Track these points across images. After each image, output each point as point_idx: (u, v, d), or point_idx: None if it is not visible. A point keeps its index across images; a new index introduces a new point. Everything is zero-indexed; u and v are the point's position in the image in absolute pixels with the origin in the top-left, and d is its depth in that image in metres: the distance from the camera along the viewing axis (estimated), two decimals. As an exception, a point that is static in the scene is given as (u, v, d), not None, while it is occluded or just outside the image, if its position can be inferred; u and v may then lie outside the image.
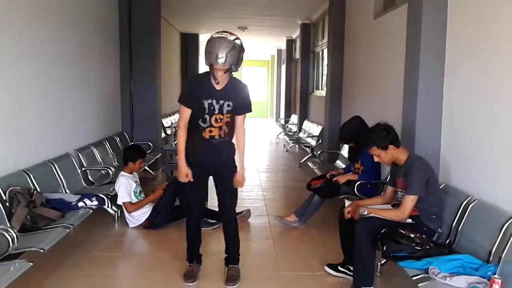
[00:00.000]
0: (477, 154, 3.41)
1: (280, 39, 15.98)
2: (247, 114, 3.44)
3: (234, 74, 3.35)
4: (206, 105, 3.23)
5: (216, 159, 3.37)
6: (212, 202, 4.11)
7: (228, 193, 3.48)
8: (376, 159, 3.45)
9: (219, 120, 3.26)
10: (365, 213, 3.27)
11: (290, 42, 15.46)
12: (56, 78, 4.88)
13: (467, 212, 3.17)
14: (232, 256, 3.62)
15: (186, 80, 3.35)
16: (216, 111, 3.25)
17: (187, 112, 3.31)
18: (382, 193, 3.93)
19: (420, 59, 3.94)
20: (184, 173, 3.31)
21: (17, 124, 4.08)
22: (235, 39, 3.14)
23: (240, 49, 3.16)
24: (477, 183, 3.36)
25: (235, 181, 3.41)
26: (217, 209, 3.69)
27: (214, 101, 3.23)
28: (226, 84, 3.27)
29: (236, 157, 3.49)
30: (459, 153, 3.69)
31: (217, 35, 3.14)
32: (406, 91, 4.29)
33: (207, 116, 3.25)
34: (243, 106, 3.38)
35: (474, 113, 3.48)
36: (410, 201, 3.18)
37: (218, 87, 3.25)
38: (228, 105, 3.27)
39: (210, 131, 3.28)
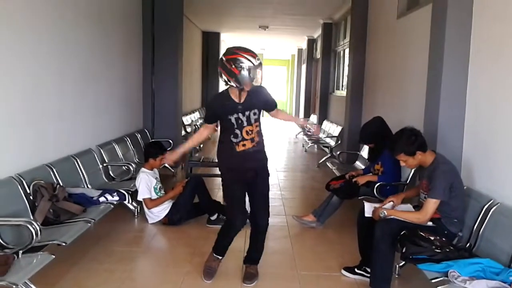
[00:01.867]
0: (500, 157, 3.35)
1: (301, 39, 15.94)
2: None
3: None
4: (233, 121, 3.27)
5: (252, 165, 3.39)
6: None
7: (263, 200, 3.49)
8: (402, 164, 3.41)
9: (250, 132, 3.30)
10: (385, 215, 3.25)
11: (311, 42, 15.41)
12: (79, 75, 4.96)
13: (488, 216, 3.13)
14: (253, 259, 3.63)
15: (207, 104, 3.49)
16: (245, 124, 3.28)
17: (207, 128, 3.57)
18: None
19: (444, 59, 3.89)
20: (174, 159, 3.60)
21: (41, 120, 4.17)
22: (258, 58, 3.20)
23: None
24: (500, 186, 3.30)
25: (315, 128, 3.61)
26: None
27: (240, 115, 3.27)
28: (246, 94, 3.31)
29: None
30: (482, 156, 3.63)
31: (254, 61, 3.14)
32: (428, 91, 4.24)
33: (237, 131, 3.28)
34: (269, 104, 3.46)
35: (498, 114, 3.42)
36: (432, 204, 3.14)
37: (239, 100, 3.29)
38: (254, 113, 3.31)
39: (243, 145, 3.30)
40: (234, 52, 3.17)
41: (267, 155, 3.52)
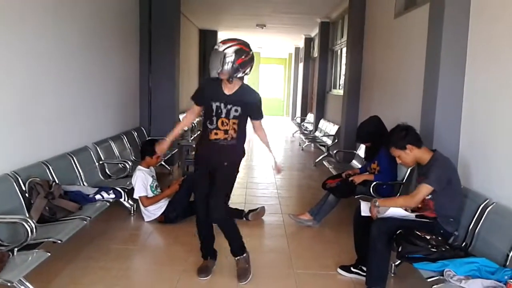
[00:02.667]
0: (496, 157, 3.36)
1: (299, 37, 15.93)
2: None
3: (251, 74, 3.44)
4: (214, 107, 3.32)
5: (215, 159, 3.42)
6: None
7: (215, 194, 3.40)
8: (398, 160, 3.44)
9: (225, 124, 3.33)
10: (377, 204, 3.27)
11: (309, 40, 15.40)
12: (76, 73, 4.94)
13: (484, 215, 3.14)
14: (234, 248, 3.59)
15: (203, 81, 3.51)
16: (223, 115, 3.33)
17: (195, 109, 3.54)
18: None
19: (441, 59, 3.90)
20: (164, 148, 3.62)
21: (37, 117, 4.15)
22: (228, 47, 3.18)
23: (235, 55, 3.18)
24: (497, 185, 3.31)
25: (276, 169, 3.69)
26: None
27: (222, 105, 3.32)
28: (236, 90, 3.35)
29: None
30: (478, 155, 3.64)
31: (217, 44, 3.24)
32: (425, 91, 4.25)
33: (214, 118, 3.34)
34: (255, 114, 3.48)
35: (494, 114, 3.43)
36: (423, 189, 3.15)
37: (227, 92, 3.34)
38: (236, 110, 3.33)
39: (216, 133, 3.35)
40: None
41: (240, 155, 3.52)
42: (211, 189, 3.42)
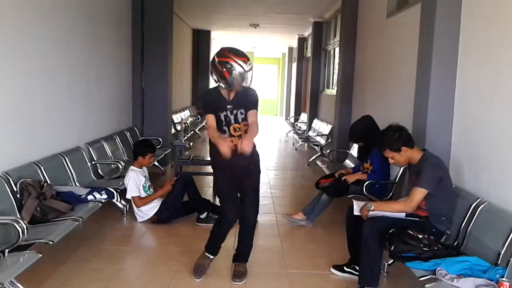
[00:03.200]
0: (488, 156, 3.38)
1: (292, 37, 15.94)
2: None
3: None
4: (222, 117, 3.32)
5: (243, 163, 3.36)
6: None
7: (251, 196, 3.50)
8: (391, 161, 3.45)
9: (237, 130, 3.33)
10: (371, 208, 3.26)
11: (302, 40, 15.42)
12: (68, 73, 4.91)
13: (476, 214, 3.15)
14: (242, 255, 3.63)
15: (202, 98, 3.43)
16: (233, 121, 3.33)
17: (211, 117, 3.36)
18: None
19: (433, 59, 3.91)
20: (226, 149, 3.12)
21: (29, 117, 4.12)
22: (251, 68, 3.21)
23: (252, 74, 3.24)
24: (488, 185, 3.33)
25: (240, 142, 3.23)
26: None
27: (228, 112, 3.32)
28: (235, 93, 3.34)
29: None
30: (470, 155, 3.66)
31: (245, 67, 3.16)
32: (417, 90, 4.26)
33: (225, 128, 3.33)
34: (250, 104, 3.42)
35: (486, 114, 3.45)
36: (418, 193, 3.16)
37: (228, 98, 3.34)
38: (241, 113, 3.34)
39: (231, 141, 3.29)
40: (227, 55, 3.20)
41: (257, 153, 3.53)
42: (245, 194, 3.46)
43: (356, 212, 3.48)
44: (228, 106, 3.31)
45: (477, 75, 3.61)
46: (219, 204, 3.74)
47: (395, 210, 3.24)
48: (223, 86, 3.25)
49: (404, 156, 3.36)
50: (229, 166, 3.38)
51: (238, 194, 3.52)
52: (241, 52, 3.26)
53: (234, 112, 3.33)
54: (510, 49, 3.15)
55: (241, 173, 3.42)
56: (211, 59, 3.32)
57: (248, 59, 3.22)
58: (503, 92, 3.22)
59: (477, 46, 3.63)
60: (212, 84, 3.51)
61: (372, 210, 3.26)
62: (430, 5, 4.00)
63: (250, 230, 3.59)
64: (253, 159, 3.47)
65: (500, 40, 3.29)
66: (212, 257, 3.63)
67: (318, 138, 9.96)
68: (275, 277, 3.64)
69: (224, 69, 3.16)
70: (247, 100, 3.37)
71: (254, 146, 3.44)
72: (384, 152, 3.43)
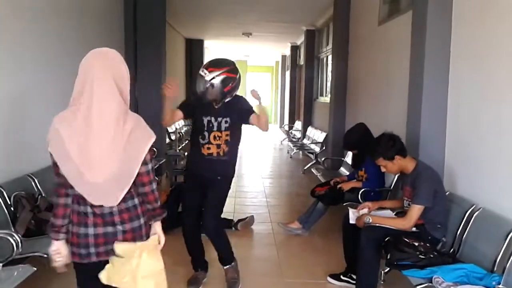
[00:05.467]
0: (482, 163, 3.40)
1: (285, 45, 16.01)
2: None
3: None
4: (205, 122, 3.36)
5: (211, 174, 3.42)
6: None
7: (210, 204, 3.43)
8: (383, 169, 3.45)
9: (217, 138, 3.36)
10: (369, 221, 3.26)
11: (295, 48, 15.49)
12: (59, 83, 4.88)
13: (471, 221, 3.16)
14: (222, 258, 3.59)
15: (191, 94, 3.46)
16: (215, 128, 3.36)
17: (178, 112, 3.43)
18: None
19: (425, 66, 3.94)
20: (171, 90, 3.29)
21: (22, 129, 4.10)
22: (214, 77, 3.23)
23: (222, 85, 3.25)
24: (482, 191, 3.34)
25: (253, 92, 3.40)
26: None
27: (212, 118, 3.35)
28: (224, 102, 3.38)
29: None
30: (464, 162, 3.67)
31: (200, 71, 3.29)
32: (410, 98, 4.29)
33: (206, 133, 3.36)
34: (243, 114, 3.43)
35: (479, 121, 3.47)
36: (416, 210, 3.17)
37: (216, 105, 3.37)
38: (226, 122, 3.36)
39: (208, 148, 3.37)
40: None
41: (233, 169, 3.55)
42: (205, 202, 3.43)
43: (352, 220, 3.48)
44: (214, 112, 3.35)
45: (468, 81, 3.63)
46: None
47: (393, 226, 3.23)
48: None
49: (397, 165, 3.36)
50: (199, 176, 3.45)
51: (199, 204, 3.50)
52: (214, 62, 3.33)
53: (219, 119, 3.36)
54: (502, 55, 3.18)
55: (207, 183, 3.44)
56: None
57: (217, 70, 3.24)
58: (496, 98, 3.25)
59: (468, 53, 3.66)
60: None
61: (370, 224, 3.26)
62: (421, 12, 4.03)
63: (212, 238, 3.50)
64: (223, 172, 3.47)
65: (491, 47, 3.32)
66: (203, 272, 3.62)
67: (312, 146, 9.98)
68: (271, 287, 3.63)
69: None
70: (235, 110, 3.39)
71: (229, 162, 3.47)
72: (377, 160, 3.43)
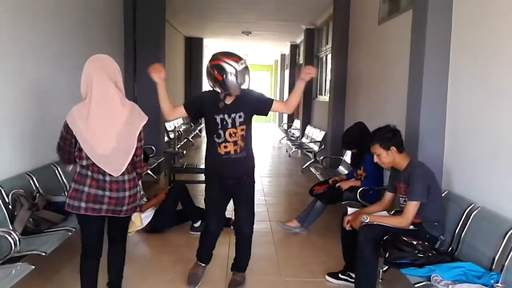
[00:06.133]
0: (481, 161, 3.40)
1: (284, 44, 16.01)
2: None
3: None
4: (218, 120, 3.23)
5: (234, 174, 3.35)
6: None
7: (246, 208, 3.46)
8: (376, 159, 3.42)
9: (233, 135, 3.25)
10: (366, 221, 3.26)
11: (294, 47, 15.49)
12: (59, 82, 4.89)
13: (470, 220, 3.16)
14: (239, 265, 3.60)
15: (198, 93, 3.32)
16: (229, 125, 3.24)
17: (180, 110, 3.37)
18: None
19: (425, 65, 3.94)
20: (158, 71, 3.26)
21: (20, 127, 4.09)
22: (246, 66, 3.16)
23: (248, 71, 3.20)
24: (480, 190, 3.34)
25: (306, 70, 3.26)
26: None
27: (226, 116, 3.23)
28: (235, 97, 3.26)
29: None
30: (462, 160, 3.67)
31: (237, 66, 3.10)
32: (410, 97, 4.29)
33: (221, 132, 3.25)
34: (261, 105, 3.36)
35: (478, 119, 3.47)
36: (412, 207, 3.17)
37: (227, 102, 3.26)
38: (240, 117, 3.25)
39: (225, 147, 3.26)
40: (217, 58, 3.14)
41: (254, 162, 3.48)
42: (239, 205, 3.44)
43: (348, 228, 3.48)
44: (226, 109, 3.23)
45: (468, 80, 3.63)
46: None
47: (391, 224, 3.23)
48: (219, 91, 3.18)
49: (391, 157, 3.35)
50: (221, 177, 3.37)
51: (226, 206, 3.52)
52: (232, 53, 3.18)
53: (232, 115, 3.24)
54: (501, 55, 3.19)
55: (233, 184, 3.39)
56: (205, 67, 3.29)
57: (241, 59, 3.15)
58: (495, 97, 3.25)
59: (468, 52, 3.66)
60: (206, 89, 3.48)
61: (367, 223, 3.26)
62: (421, 11, 4.03)
63: (246, 243, 3.55)
64: (246, 170, 3.42)
65: (491, 46, 3.32)
66: (204, 265, 3.61)
67: (311, 145, 9.98)
68: (270, 285, 3.63)
69: (217, 72, 3.11)
70: (248, 103, 3.29)
71: (249, 157, 3.41)
72: (373, 147, 3.40)
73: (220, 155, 3.28)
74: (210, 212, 3.48)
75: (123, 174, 2.70)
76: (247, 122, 3.31)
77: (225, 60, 3.10)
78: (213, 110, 3.25)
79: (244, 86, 3.19)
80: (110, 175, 2.66)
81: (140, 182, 2.94)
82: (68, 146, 2.70)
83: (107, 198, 2.68)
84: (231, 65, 3.09)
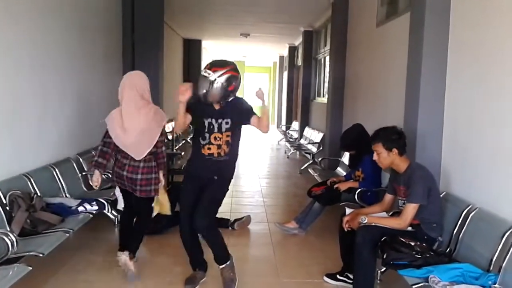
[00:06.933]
0: (479, 163, 3.40)
1: (283, 46, 16.02)
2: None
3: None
4: (206, 124, 3.35)
5: (208, 174, 3.42)
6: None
7: (204, 202, 3.39)
8: (375, 157, 3.42)
9: (218, 139, 3.36)
10: (365, 221, 3.26)
11: (292, 49, 15.50)
12: (57, 83, 4.88)
13: (467, 221, 3.17)
14: (216, 257, 3.53)
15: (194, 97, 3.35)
16: (215, 130, 3.35)
17: (188, 116, 3.36)
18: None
19: (422, 68, 3.95)
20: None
21: (18, 128, 4.09)
22: (219, 76, 3.22)
23: (227, 83, 3.24)
24: (478, 192, 3.34)
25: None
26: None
27: (213, 120, 3.35)
28: (224, 103, 3.37)
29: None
30: (460, 162, 3.68)
31: (202, 72, 3.28)
32: (407, 99, 4.29)
33: (206, 134, 3.36)
34: (244, 114, 3.44)
35: (475, 121, 3.48)
36: (411, 209, 3.17)
37: (216, 107, 3.37)
38: (226, 123, 3.36)
39: (209, 148, 3.36)
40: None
41: (233, 169, 3.54)
42: (199, 200, 3.41)
43: (348, 229, 3.48)
44: (214, 113, 3.35)
45: (466, 82, 3.64)
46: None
47: (389, 225, 3.23)
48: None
49: (391, 159, 3.35)
50: (196, 176, 3.46)
51: (195, 204, 3.46)
52: (216, 62, 3.31)
53: (219, 121, 3.35)
54: (499, 56, 3.19)
55: (204, 183, 3.44)
56: None
57: (221, 69, 3.23)
58: (493, 98, 3.26)
59: (466, 54, 3.67)
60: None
61: (365, 223, 3.26)
62: (419, 14, 4.03)
63: (204, 236, 3.49)
64: (220, 171, 3.46)
65: (489, 47, 3.33)
66: (201, 272, 3.61)
67: (309, 146, 9.98)
68: (267, 287, 3.63)
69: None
70: (235, 111, 3.39)
71: (230, 161, 3.47)
72: (375, 145, 3.40)
73: (203, 156, 3.38)
74: (181, 209, 3.57)
75: (139, 161, 3.53)
76: (234, 129, 3.40)
77: (203, 69, 3.32)
78: (202, 113, 3.36)
79: (211, 98, 3.27)
80: (130, 159, 3.53)
81: (161, 173, 3.70)
82: (107, 147, 3.61)
83: (125, 177, 3.56)
84: (203, 75, 3.26)
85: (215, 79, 3.21)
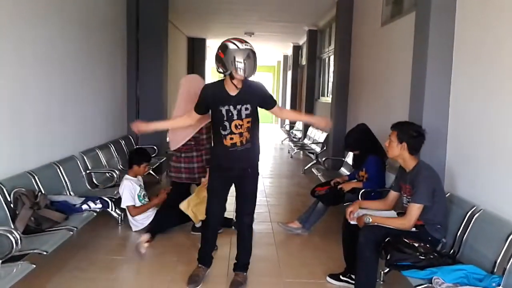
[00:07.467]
0: (483, 164, 3.39)
1: (287, 45, 16.00)
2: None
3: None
4: (224, 112, 3.22)
5: (239, 165, 3.37)
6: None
7: (247, 199, 3.48)
8: (386, 143, 3.42)
9: (239, 126, 3.24)
10: (369, 221, 3.25)
11: (297, 48, 15.48)
12: (61, 81, 4.90)
13: (472, 222, 3.15)
14: (241, 263, 3.59)
15: (202, 89, 3.31)
16: (235, 117, 3.23)
17: (194, 114, 3.42)
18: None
19: (427, 67, 3.93)
20: (141, 129, 3.60)
21: (23, 126, 4.10)
22: (251, 48, 3.19)
23: (256, 56, 3.22)
24: (483, 193, 3.33)
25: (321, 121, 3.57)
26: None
27: (231, 107, 3.22)
28: (240, 88, 3.25)
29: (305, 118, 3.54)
30: (465, 163, 3.66)
31: (240, 45, 3.14)
32: (412, 98, 4.28)
33: (226, 123, 3.24)
34: (267, 101, 3.43)
35: (481, 121, 3.46)
36: (416, 209, 3.16)
37: (232, 93, 3.25)
38: (246, 109, 3.25)
39: (231, 138, 3.26)
40: (225, 40, 3.21)
41: (259, 154, 3.50)
42: (239, 196, 3.46)
43: (352, 220, 3.47)
44: (232, 100, 3.22)
45: (471, 81, 3.62)
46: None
47: (394, 226, 3.22)
48: (221, 71, 3.19)
49: (399, 151, 3.32)
50: (226, 168, 3.38)
51: (226, 196, 3.53)
52: (240, 38, 3.25)
53: (238, 107, 3.22)
54: (504, 56, 3.17)
55: (237, 176, 3.40)
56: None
57: (246, 42, 3.18)
58: (499, 98, 3.24)
59: (471, 54, 3.65)
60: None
61: (370, 223, 3.25)
62: (424, 13, 4.02)
63: (247, 234, 3.54)
64: (251, 162, 3.43)
65: (494, 48, 3.31)
66: (205, 267, 3.61)
67: (313, 146, 9.96)
68: (270, 287, 3.63)
69: (220, 51, 3.17)
70: (255, 96, 3.31)
71: (255, 149, 3.41)
72: (392, 131, 3.40)
73: (226, 147, 3.29)
74: (211, 201, 3.51)
75: (181, 152, 4.46)
76: (254, 115, 3.31)
77: (230, 40, 3.18)
78: (218, 102, 3.24)
79: (251, 77, 3.21)
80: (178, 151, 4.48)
81: (203, 158, 4.35)
82: None
83: (172, 166, 4.57)
84: (234, 44, 3.14)
85: (249, 47, 3.15)
